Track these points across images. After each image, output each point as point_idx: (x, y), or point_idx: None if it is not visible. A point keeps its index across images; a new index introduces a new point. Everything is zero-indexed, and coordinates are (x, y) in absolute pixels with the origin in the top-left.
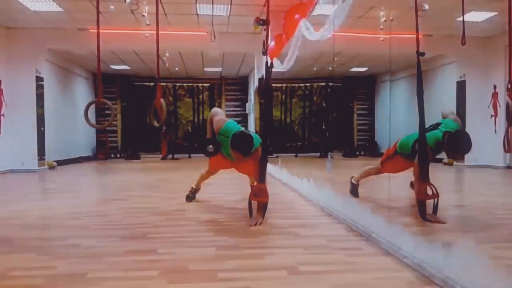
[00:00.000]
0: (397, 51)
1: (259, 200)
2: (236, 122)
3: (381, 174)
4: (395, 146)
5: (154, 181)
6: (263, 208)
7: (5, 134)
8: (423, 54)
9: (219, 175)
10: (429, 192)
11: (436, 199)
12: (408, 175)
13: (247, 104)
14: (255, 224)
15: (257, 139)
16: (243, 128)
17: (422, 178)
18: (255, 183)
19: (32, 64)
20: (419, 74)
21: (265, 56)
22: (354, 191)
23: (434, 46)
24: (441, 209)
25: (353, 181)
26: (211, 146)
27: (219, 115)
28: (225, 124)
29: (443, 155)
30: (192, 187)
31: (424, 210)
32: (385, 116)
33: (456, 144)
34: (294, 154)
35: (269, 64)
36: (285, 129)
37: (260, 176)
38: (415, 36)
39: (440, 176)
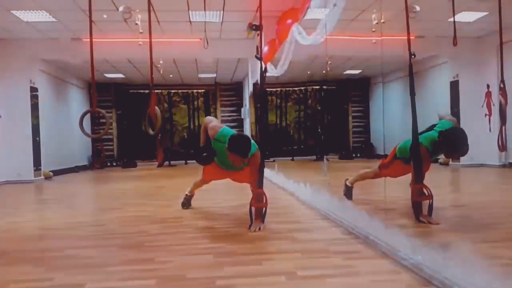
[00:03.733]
0: (390, 53)
1: (260, 206)
2: (231, 128)
3: (379, 178)
4: (394, 150)
5: (150, 188)
6: (263, 213)
7: (0, 145)
8: (414, 55)
9: (215, 181)
10: (424, 193)
11: (430, 200)
12: (406, 178)
13: (242, 109)
14: (256, 230)
15: (254, 144)
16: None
17: (417, 180)
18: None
19: (26, 75)
20: (411, 75)
21: (259, 61)
22: (348, 193)
23: (426, 47)
24: (438, 209)
25: (347, 183)
26: (205, 154)
27: (214, 121)
28: (220, 129)
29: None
30: (186, 194)
31: (419, 211)
32: (380, 118)
33: (452, 141)
34: (290, 158)
35: (263, 69)
36: (281, 133)
37: (259, 181)
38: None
39: (436, 175)
